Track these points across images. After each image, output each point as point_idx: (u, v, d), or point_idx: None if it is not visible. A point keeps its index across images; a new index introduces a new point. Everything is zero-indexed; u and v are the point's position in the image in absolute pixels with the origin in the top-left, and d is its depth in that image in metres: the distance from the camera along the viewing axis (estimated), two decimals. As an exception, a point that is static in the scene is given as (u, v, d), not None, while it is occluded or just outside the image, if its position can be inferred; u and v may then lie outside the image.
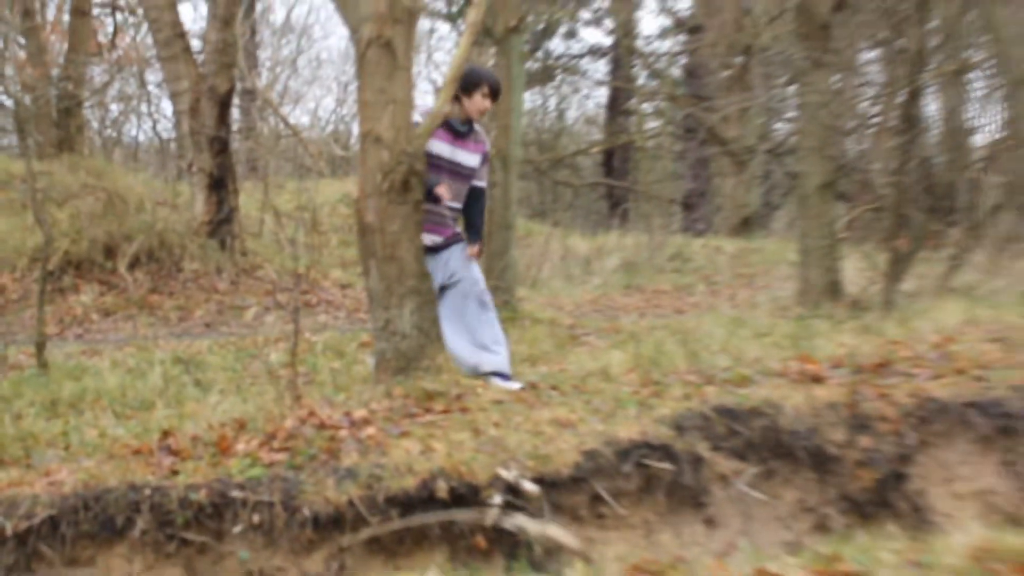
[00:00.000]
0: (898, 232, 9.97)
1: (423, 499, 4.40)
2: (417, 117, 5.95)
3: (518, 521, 4.30)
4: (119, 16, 19.84)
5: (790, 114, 23.60)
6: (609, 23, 25.29)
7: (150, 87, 21.39)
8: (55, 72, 16.19)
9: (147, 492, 4.37)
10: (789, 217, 23.66)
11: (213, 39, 13.09)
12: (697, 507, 4.86)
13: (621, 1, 24.32)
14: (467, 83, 6.10)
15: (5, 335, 9.10)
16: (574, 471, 4.64)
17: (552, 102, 31.57)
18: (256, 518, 4.32)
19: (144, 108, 22.67)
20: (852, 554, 3.37)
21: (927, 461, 5.20)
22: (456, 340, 6.17)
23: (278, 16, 42.70)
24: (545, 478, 4.55)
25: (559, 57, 29.34)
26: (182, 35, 13.24)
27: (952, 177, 13.25)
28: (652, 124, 26.70)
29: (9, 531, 4.21)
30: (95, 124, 21.40)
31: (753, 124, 22.59)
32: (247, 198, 14.53)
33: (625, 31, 24.62)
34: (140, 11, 16.62)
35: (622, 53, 25.40)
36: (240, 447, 4.81)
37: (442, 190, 6.06)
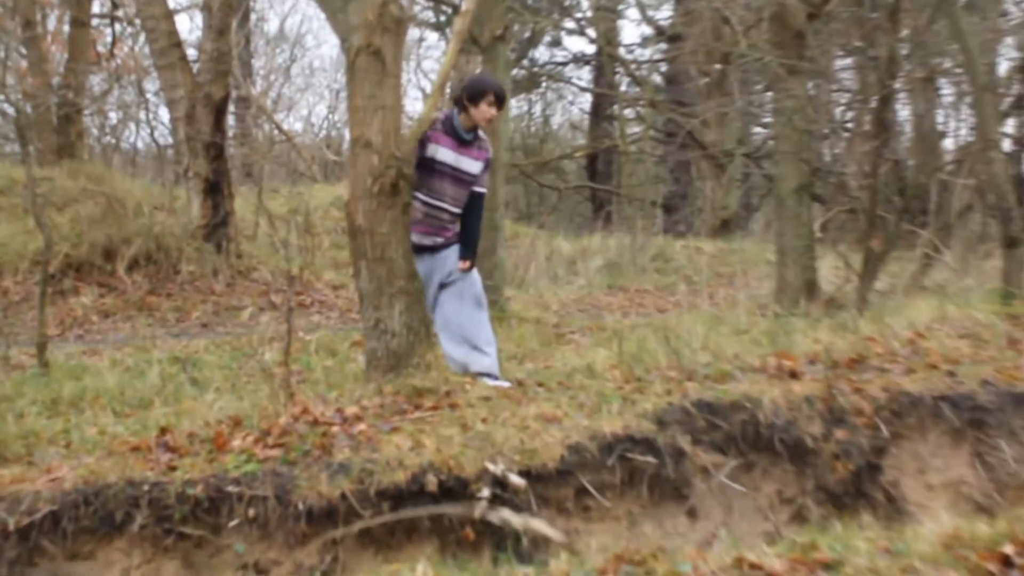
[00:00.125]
0: (872, 233, 9.99)
1: (413, 493, 4.39)
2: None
3: (503, 514, 4.29)
4: (117, 26, 19.78)
5: (767, 119, 23.66)
6: (592, 32, 25.27)
7: (148, 95, 21.31)
8: (55, 81, 16.14)
9: (146, 488, 4.36)
10: (767, 219, 23.71)
11: (209, 48, 13.07)
12: (679, 499, 4.87)
13: (604, 11, 24.32)
14: (473, 93, 6.07)
15: (8, 336, 9.07)
16: (560, 465, 4.64)
17: (538, 108, 31.72)
18: (251, 512, 4.31)
19: (142, 115, 22.57)
20: (828, 543, 3.37)
21: (900, 453, 5.22)
22: (448, 339, 6.17)
23: (272, 26, 42.55)
24: (532, 472, 4.54)
25: (544, 65, 29.38)
26: (178, 45, 13.21)
27: (923, 180, 13.31)
28: (634, 129, 26.70)
29: (12, 526, 4.20)
30: (94, 131, 21.34)
31: (731, 129, 22.63)
32: (242, 202, 14.49)
33: (608, 40, 24.60)
34: (138, 22, 16.55)
35: (605, 61, 25.37)
36: (236, 443, 4.80)
37: None
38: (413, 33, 24.98)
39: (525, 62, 27.76)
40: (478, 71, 13.12)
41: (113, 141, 22.99)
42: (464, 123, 6.12)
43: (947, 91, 18.87)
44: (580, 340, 9.54)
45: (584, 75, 29.76)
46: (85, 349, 9.50)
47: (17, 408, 6.25)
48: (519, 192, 27.84)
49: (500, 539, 4.38)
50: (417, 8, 23.12)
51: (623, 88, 26.72)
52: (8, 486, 4.41)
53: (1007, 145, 18.84)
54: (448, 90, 9.89)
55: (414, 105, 26.49)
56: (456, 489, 4.42)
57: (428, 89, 25.59)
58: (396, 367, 5.78)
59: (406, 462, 4.49)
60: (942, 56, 14.39)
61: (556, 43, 29.15)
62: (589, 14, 24.64)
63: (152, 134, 23.84)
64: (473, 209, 6.38)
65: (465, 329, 6.17)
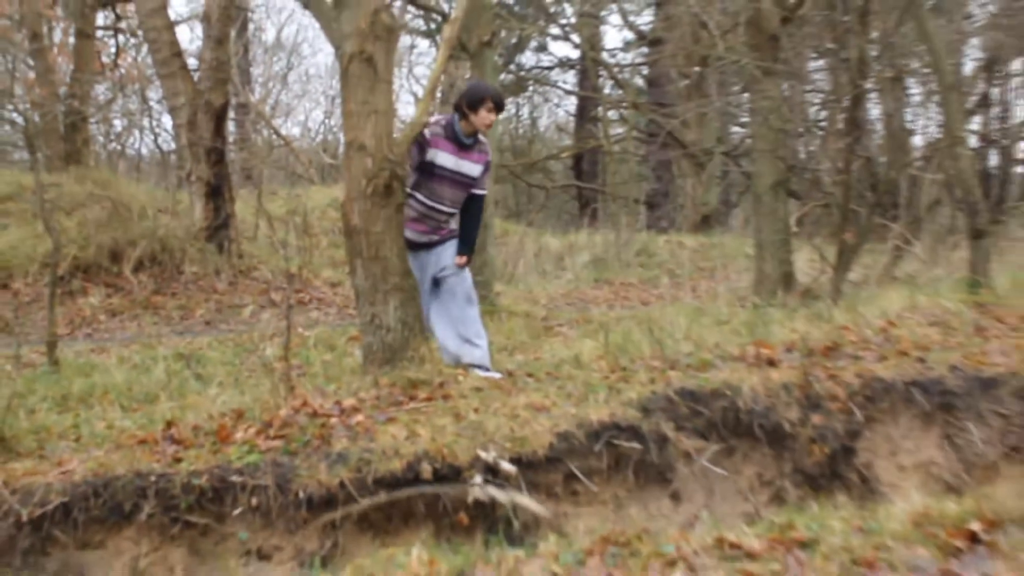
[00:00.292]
0: (845, 226, 10.00)
1: (409, 480, 4.39)
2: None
3: (489, 491, 4.30)
4: (121, 38, 19.78)
5: (744, 119, 23.65)
6: (576, 37, 25.24)
7: (151, 103, 21.29)
8: (62, 90, 16.10)
9: (152, 479, 4.36)
10: (745, 214, 23.72)
11: (208, 57, 13.04)
12: (663, 483, 4.87)
13: (587, 17, 24.31)
14: (472, 100, 6.05)
15: (19, 335, 9.05)
16: (549, 452, 4.64)
17: (525, 111, 31.70)
18: (254, 501, 4.31)
19: (146, 122, 22.56)
20: (804, 523, 3.38)
21: (873, 436, 5.23)
22: (443, 330, 6.17)
23: (269, 35, 42.48)
24: (522, 459, 4.55)
25: (531, 69, 29.38)
26: (179, 54, 13.18)
27: (893, 175, 13.31)
28: (618, 130, 26.73)
29: (25, 517, 4.20)
30: (100, 138, 21.30)
31: (711, 128, 22.62)
32: (243, 204, 14.47)
33: (591, 45, 24.59)
34: (140, 33, 16.51)
35: (589, 65, 25.35)
36: (238, 435, 4.80)
37: None
38: (404, 40, 24.99)
39: (512, 67, 27.76)
40: (467, 76, 13.12)
41: (118, 147, 22.99)
42: (465, 129, 6.11)
43: (915, 90, 18.89)
44: (567, 332, 9.54)
45: (569, 79, 29.84)
46: (93, 347, 9.47)
47: (29, 404, 6.24)
48: (508, 191, 27.83)
49: (492, 523, 4.38)
50: (408, 16, 23.11)
51: (607, 91, 26.72)
52: (21, 479, 4.41)
53: (973, 141, 18.91)
54: (439, 94, 9.90)
55: (406, 109, 26.51)
56: (450, 476, 4.42)
57: (420, 94, 25.51)
58: (391, 360, 5.79)
59: (402, 451, 4.49)
60: (910, 57, 14.40)
61: (542, 48, 29.18)
62: (573, 20, 24.62)
63: (155, 140, 23.85)
64: (473, 210, 6.37)
65: (457, 323, 6.17)
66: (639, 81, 27.08)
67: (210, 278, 12.57)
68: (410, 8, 21.04)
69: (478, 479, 4.33)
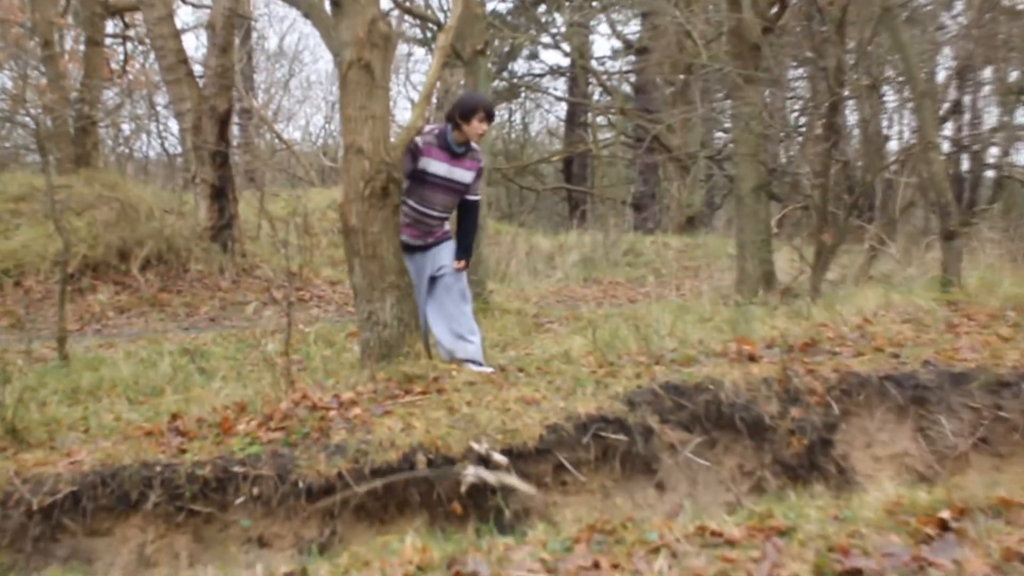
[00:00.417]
0: (823, 228, 10.01)
1: (404, 470, 4.39)
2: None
3: (479, 472, 4.31)
4: (129, 45, 19.70)
5: (727, 124, 23.67)
6: (566, 46, 25.25)
7: (158, 108, 21.25)
8: (72, 96, 16.06)
9: (158, 469, 4.36)
10: (728, 216, 23.70)
11: (213, 64, 13.02)
12: (648, 473, 4.88)
13: (577, 26, 24.30)
14: (465, 110, 6.02)
15: (31, 331, 9.03)
16: (539, 443, 4.64)
17: (517, 116, 31.63)
18: (256, 490, 4.31)
19: (152, 127, 22.51)
20: (782, 511, 3.38)
21: (850, 429, 5.23)
22: (438, 326, 6.17)
23: (271, 43, 42.38)
24: (513, 450, 4.55)
25: (523, 76, 29.34)
26: (185, 61, 13.16)
27: (870, 179, 13.32)
28: (606, 135, 26.73)
29: (35, 506, 4.20)
30: (109, 141, 21.25)
31: (695, 133, 22.64)
32: (245, 206, 14.43)
33: (581, 53, 24.61)
34: (148, 41, 16.46)
35: (578, 72, 25.38)
36: (241, 427, 4.80)
37: None
38: (401, 48, 24.97)
39: (505, 74, 27.74)
40: (461, 83, 13.11)
41: (126, 151, 22.94)
42: (457, 138, 6.09)
43: (890, 98, 18.98)
44: (557, 329, 9.53)
45: (560, 86, 29.86)
46: (102, 342, 9.46)
47: (40, 397, 6.22)
48: (501, 193, 27.81)
49: (484, 513, 4.39)
50: (405, 26, 23.08)
51: (595, 97, 26.76)
52: (32, 469, 4.41)
53: (945, 147, 18.94)
54: (434, 100, 9.88)
55: (404, 114, 26.47)
56: (443, 467, 4.42)
57: (416, 99, 25.51)
58: (388, 355, 5.79)
59: (397, 443, 4.49)
60: (885, 66, 14.43)
61: (533, 56, 29.14)
62: (563, 30, 24.61)
63: (162, 144, 23.79)
64: (469, 215, 6.36)
65: (452, 320, 6.16)
66: (626, 88, 27.07)
67: (214, 276, 12.56)
68: (406, 17, 21.02)
69: (470, 468, 4.33)
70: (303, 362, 7.50)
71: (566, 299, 13.47)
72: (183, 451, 4.54)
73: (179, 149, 18.16)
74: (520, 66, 29.57)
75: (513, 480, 4.33)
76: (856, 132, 18.82)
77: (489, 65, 12.99)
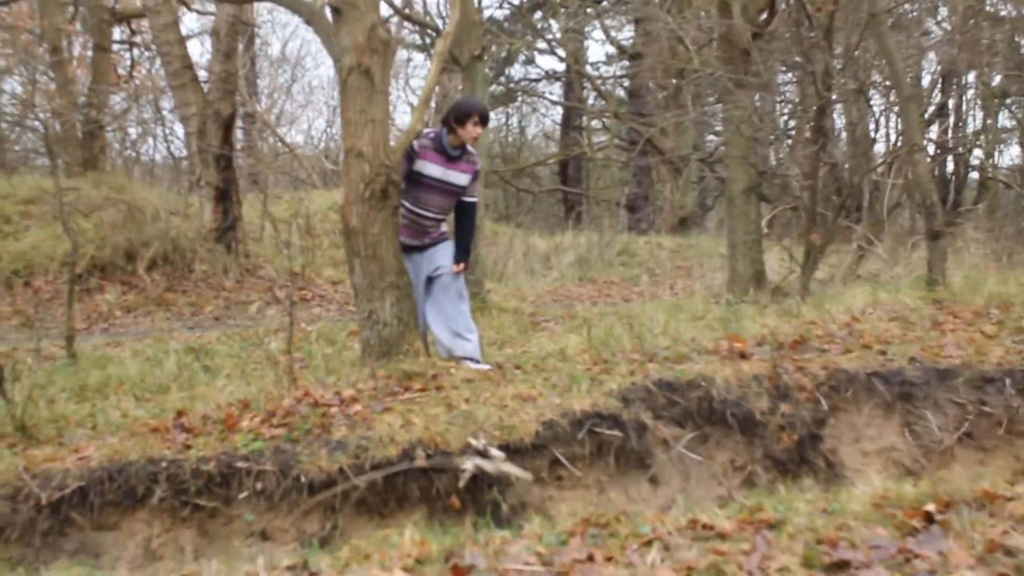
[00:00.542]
0: (812, 228, 10.01)
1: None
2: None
3: (476, 461, 4.30)
4: (136, 51, 19.71)
5: (718, 128, 23.66)
6: (562, 52, 25.24)
7: (163, 112, 21.24)
8: (80, 100, 16.04)
9: (164, 464, 4.35)
10: (719, 217, 23.73)
11: (217, 70, 13.02)
12: (642, 468, 4.87)
13: (572, 32, 24.29)
14: (459, 114, 6.01)
15: (39, 330, 9.02)
16: (535, 439, 4.64)
17: (514, 120, 31.66)
18: (259, 485, 4.31)
19: (159, 131, 22.49)
20: (772, 505, 3.38)
21: (838, 424, 5.24)
22: (437, 325, 6.16)
23: (274, 49, 42.37)
24: (510, 445, 4.54)
25: (519, 81, 29.35)
26: (190, 67, 13.15)
27: (857, 180, 13.34)
28: (600, 138, 26.73)
29: (44, 500, 4.20)
30: (116, 145, 21.22)
31: (687, 136, 22.64)
32: (249, 207, 14.42)
33: (576, 58, 24.59)
34: (154, 47, 16.45)
35: (573, 77, 25.37)
36: (244, 424, 4.80)
37: None
38: (401, 54, 24.98)
39: (502, 79, 27.72)
40: (459, 87, 13.10)
41: (133, 154, 22.91)
42: (452, 141, 6.08)
43: (877, 101, 18.98)
44: (553, 327, 9.52)
45: (555, 90, 29.81)
46: (109, 341, 9.45)
47: (49, 394, 6.21)
48: (498, 195, 27.80)
49: (481, 507, 4.38)
50: (404, 32, 23.08)
51: (590, 101, 26.77)
52: (41, 464, 4.41)
53: (930, 149, 18.98)
54: (433, 104, 9.87)
55: (403, 118, 26.46)
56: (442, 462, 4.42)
57: (415, 103, 25.53)
58: (388, 353, 5.78)
59: (397, 438, 4.48)
60: (872, 70, 14.45)
61: (530, 62, 29.15)
62: (559, 36, 24.60)
63: (168, 147, 23.82)
64: (466, 217, 6.34)
65: (450, 318, 6.15)
66: (620, 92, 27.06)
67: (218, 277, 12.56)
68: (405, 24, 21.01)
69: (468, 464, 4.33)
70: (305, 360, 7.50)
71: (562, 298, 13.47)
72: (188, 447, 4.54)
73: (184, 152, 18.10)
74: (517, 71, 29.62)
75: (509, 467, 4.33)
76: (844, 135, 18.87)
77: (486, 70, 12.98)
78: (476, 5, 12.28)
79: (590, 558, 2.92)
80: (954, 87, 20.61)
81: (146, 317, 11.27)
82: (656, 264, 17.00)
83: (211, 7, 16.91)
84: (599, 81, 26.54)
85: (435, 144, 6.07)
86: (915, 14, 17.58)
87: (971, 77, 20.10)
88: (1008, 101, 19.71)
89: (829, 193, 11.52)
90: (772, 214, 15.25)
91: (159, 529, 4.29)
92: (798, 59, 13.97)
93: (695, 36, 17.60)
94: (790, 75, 19.78)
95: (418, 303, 6.11)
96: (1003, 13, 16.61)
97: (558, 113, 29.79)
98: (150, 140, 23.55)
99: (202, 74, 14.43)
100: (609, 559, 2.91)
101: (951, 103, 21.08)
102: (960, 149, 20.46)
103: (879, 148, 19.06)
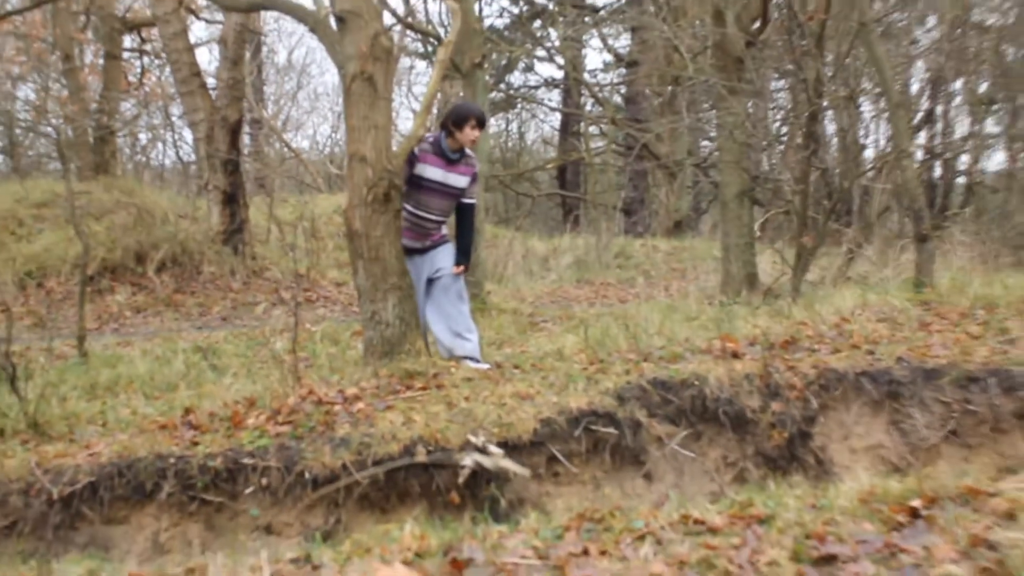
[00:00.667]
0: (803, 231, 10.00)
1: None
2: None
3: (476, 457, 4.31)
4: (146, 59, 19.71)
5: (712, 133, 23.68)
6: (560, 59, 25.24)
7: (172, 118, 21.27)
8: (92, 107, 16.06)
9: (172, 461, 4.36)
10: (713, 220, 23.71)
11: (225, 77, 13.03)
12: (637, 464, 4.87)
13: (570, 40, 24.29)
14: (457, 118, 6.02)
15: (52, 330, 9.03)
16: (533, 436, 4.64)
17: (514, 126, 31.66)
18: (264, 481, 4.31)
19: (168, 136, 22.53)
20: (762, 500, 3.38)
21: (828, 422, 5.24)
22: (438, 325, 6.16)
23: (280, 57, 42.41)
24: (508, 442, 4.54)
25: (519, 88, 29.31)
26: (198, 74, 13.17)
27: (847, 185, 13.33)
28: (598, 143, 26.69)
29: (56, 495, 4.20)
30: (126, 150, 21.27)
31: (682, 142, 22.63)
32: (256, 211, 14.45)
33: (574, 66, 24.58)
34: (163, 55, 16.47)
35: (572, 84, 25.36)
36: (250, 421, 4.80)
37: None
38: (403, 62, 24.95)
39: (502, 86, 27.71)
40: (460, 94, 13.10)
41: (143, 159, 22.97)
42: (451, 145, 6.09)
43: (866, 108, 18.99)
44: (551, 328, 9.52)
45: (554, 97, 29.83)
46: (119, 341, 9.46)
47: (60, 392, 6.22)
48: (498, 199, 27.80)
49: (480, 502, 4.39)
50: (407, 40, 23.07)
51: (588, 108, 26.73)
52: (52, 460, 4.42)
53: (919, 154, 18.99)
54: (434, 110, 9.87)
55: (406, 124, 26.44)
56: (442, 458, 4.42)
57: (417, 110, 25.50)
58: (390, 353, 5.79)
59: (399, 435, 4.49)
60: (862, 78, 14.44)
61: (529, 69, 29.09)
62: (558, 44, 24.59)
63: (177, 152, 23.82)
64: (466, 219, 6.34)
65: (450, 319, 6.16)
66: (617, 99, 27.06)
67: (226, 278, 12.57)
68: (408, 32, 21.01)
69: (467, 459, 4.33)
70: (310, 359, 7.50)
71: (560, 299, 13.47)
72: (196, 444, 4.54)
73: (193, 157, 18.17)
74: (516, 78, 29.56)
75: (508, 463, 4.34)
76: (834, 141, 18.85)
77: (487, 77, 12.99)
78: (477, 14, 12.29)
79: (585, 552, 2.92)
80: (941, 94, 20.63)
81: (155, 317, 11.28)
82: (651, 266, 17.01)
83: (219, 16, 16.91)
84: (597, 88, 26.53)
85: (435, 148, 6.08)
86: (904, 23, 17.61)
87: (958, 84, 20.12)
88: (994, 107, 19.71)
89: (820, 197, 11.50)
90: (764, 218, 15.25)
91: (167, 523, 4.30)
92: (790, 67, 13.98)
93: (690, 44, 17.60)
94: (782, 82, 19.83)
95: (419, 304, 6.12)
96: (989, 23, 16.61)
97: (557, 119, 29.80)
98: (159, 145, 23.64)
99: (210, 81, 14.44)
100: (603, 553, 2.92)
101: (939, 110, 21.11)
102: (947, 154, 20.47)
103: (869, 153, 19.05)
